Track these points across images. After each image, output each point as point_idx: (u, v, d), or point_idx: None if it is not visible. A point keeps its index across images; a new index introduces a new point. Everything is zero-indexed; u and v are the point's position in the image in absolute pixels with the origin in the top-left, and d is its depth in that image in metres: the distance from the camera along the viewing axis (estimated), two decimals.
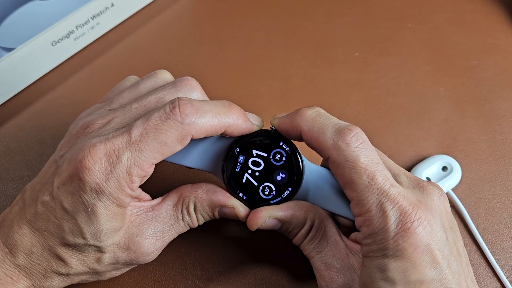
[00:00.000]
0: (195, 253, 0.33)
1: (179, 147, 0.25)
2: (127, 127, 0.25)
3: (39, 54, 0.41)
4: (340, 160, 0.25)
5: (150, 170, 0.25)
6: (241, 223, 0.29)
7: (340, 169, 0.26)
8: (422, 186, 0.27)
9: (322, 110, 0.28)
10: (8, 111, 0.41)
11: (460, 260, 0.26)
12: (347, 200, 0.27)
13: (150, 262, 0.30)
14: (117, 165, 0.24)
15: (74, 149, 0.25)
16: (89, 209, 0.24)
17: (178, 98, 0.25)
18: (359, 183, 0.25)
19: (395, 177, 0.27)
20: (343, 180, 0.26)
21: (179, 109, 0.25)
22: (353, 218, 0.27)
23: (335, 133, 0.26)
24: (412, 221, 0.24)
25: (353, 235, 0.27)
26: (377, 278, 0.24)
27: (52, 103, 0.41)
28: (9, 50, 0.39)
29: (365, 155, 0.25)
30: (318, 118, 0.27)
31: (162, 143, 0.25)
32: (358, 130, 0.26)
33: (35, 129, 0.40)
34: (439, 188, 0.27)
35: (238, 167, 0.28)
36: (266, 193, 0.28)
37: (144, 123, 0.25)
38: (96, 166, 0.24)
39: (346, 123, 0.26)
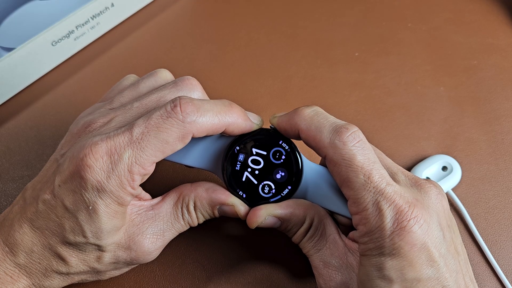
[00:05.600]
0: (195, 252, 0.33)
1: (180, 146, 0.25)
2: (128, 125, 0.25)
3: (39, 54, 0.41)
4: (336, 159, 0.25)
5: (151, 169, 0.25)
6: (241, 222, 0.29)
7: (336, 168, 0.26)
8: (420, 185, 0.26)
9: (320, 109, 0.28)
10: (8, 111, 0.41)
11: (458, 258, 0.26)
12: (345, 199, 0.27)
13: (150, 261, 0.30)
14: (119, 163, 0.24)
15: (76, 148, 0.25)
16: (90, 207, 0.24)
17: (179, 97, 0.25)
18: (356, 182, 0.25)
19: (393, 176, 0.27)
20: (340, 178, 0.26)
21: (180, 107, 0.25)
22: (351, 216, 0.27)
23: (332, 132, 0.26)
24: (408, 219, 0.24)
25: (351, 233, 0.27)
26: (374, 277, 0.24)
27: (52, 103, 0.41)
28: (9, 50, 0.39)
29: (362, 153, 0.25)
30: (315, 117, 0.27)
31: (163, 142, 0.25)
32: (355, 129, 0.26)
33: (35, 129, 0.40)
34: (437, 187, 0.27)
35: (238, 166, 0.28)
36: (266, 191, 0.28)
37: (146, 121, 0.25)
38: (97, 164, 0.24)
39: (344, 122, 0.27)
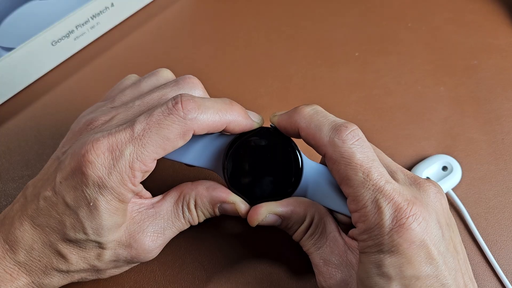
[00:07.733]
0: (195, 252, 0.33)
1: (181, 143, 0.26)
2: (130, 122, 0.25)
3: (39, 54, 0.41)
4: (336, 157, 0.26)
5: (152, 165, 0.25)
6: (240, 221, 0.29)
7: (336, 166, 0.26)
8: (419, 183, 0.27)
9: (320, 108, 0.28)
10: (8, 111, 0.41)
11: (457, 256, 0.26)
12: (345, 197, 0.27)
13: (150, 261, 0.30)
14: (120, 159, 0.24)
15: (77, 144, 0.25)
16: (91, 204, 0.24)
17: (180, 94, 0.26)
18: (355, 179, 0.25)
19: (392, 174, 0.27)
20: (339, 176, 0.26)
21: (181, 104, 0.25)
22: (350, 214, 0.27)
23: (331, 130, 0.26)
24: (407, 216, 0.24)
25: (351, 231, 0.28)
26: (373, 274, 0.24)
27: (52, 103, 0.41)
28: (9, 49, 0.39)
29: (361, 151, 0.25)
30: (315, 116, 0.27)
31: (165, 138, 0.25)
32: (354, 127, 0.26)
33: (35, 128, 0.40)
34: (436, 185, 0.27)
35: (239, 164, 0.28)
36: (266, 189, 0.28)
37: (147, 118, 0.25)
38: (99, 160, 0.24)
39: (343, 121, 0.27)
